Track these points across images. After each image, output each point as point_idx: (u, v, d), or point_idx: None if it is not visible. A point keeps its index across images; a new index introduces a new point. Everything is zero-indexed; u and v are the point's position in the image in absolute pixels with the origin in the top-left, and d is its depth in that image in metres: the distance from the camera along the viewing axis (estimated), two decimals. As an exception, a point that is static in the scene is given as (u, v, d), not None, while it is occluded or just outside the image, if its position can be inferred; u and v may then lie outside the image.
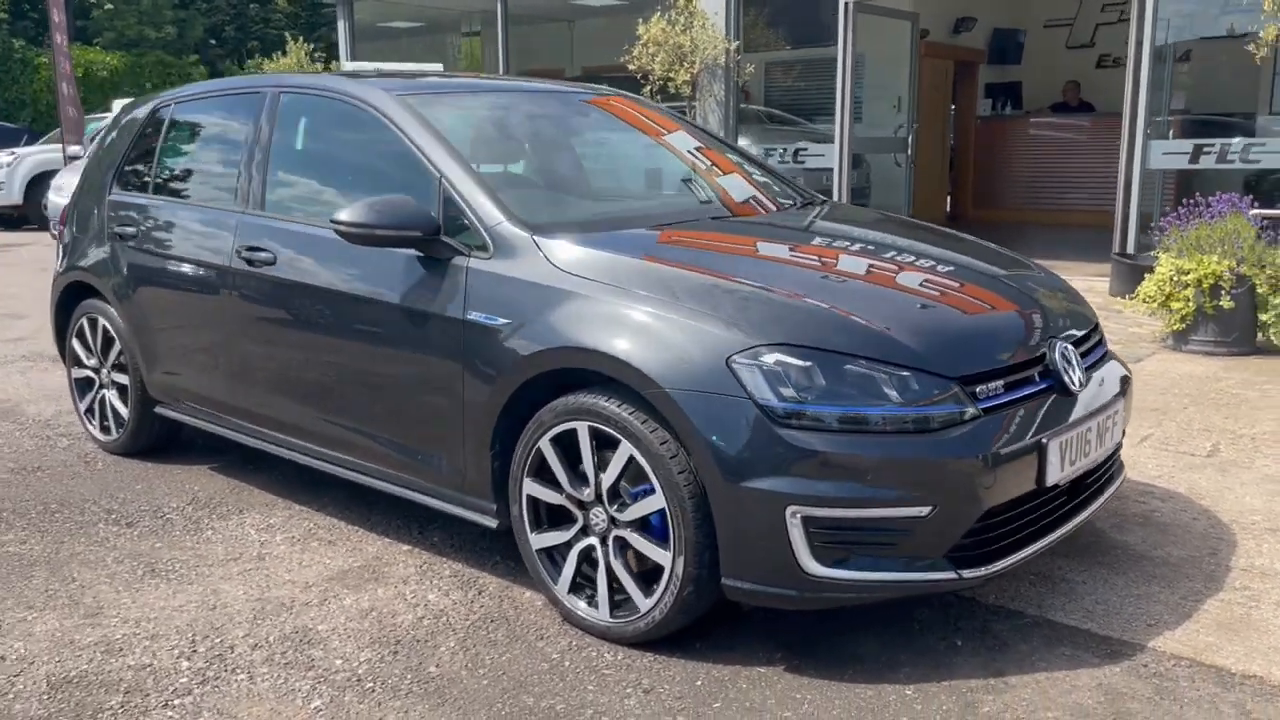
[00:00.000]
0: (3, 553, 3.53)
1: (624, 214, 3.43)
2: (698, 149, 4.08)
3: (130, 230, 4.23)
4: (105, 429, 4.59)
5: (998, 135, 14.42)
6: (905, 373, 2.54)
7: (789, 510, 2.47)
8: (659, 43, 10.16)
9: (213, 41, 26.67)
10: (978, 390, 2.61)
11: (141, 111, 4.52)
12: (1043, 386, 2.78)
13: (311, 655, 2.80)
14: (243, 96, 4.06)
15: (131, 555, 3.49)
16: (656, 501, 2.66)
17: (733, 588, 2.60)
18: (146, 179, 4.33)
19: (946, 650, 2.73)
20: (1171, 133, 9.10)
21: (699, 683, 2.62)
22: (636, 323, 2.70)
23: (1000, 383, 2.68)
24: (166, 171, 4.31)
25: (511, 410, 2.95)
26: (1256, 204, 6.99)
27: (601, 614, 2.83)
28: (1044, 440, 2.65)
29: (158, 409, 4.35)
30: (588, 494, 2.83)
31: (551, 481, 2.91)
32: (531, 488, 2.94)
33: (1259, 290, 6.27)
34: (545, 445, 2.87)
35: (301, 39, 14.07)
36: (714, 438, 2.53)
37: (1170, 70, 8.94)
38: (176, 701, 2.59)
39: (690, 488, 2.59)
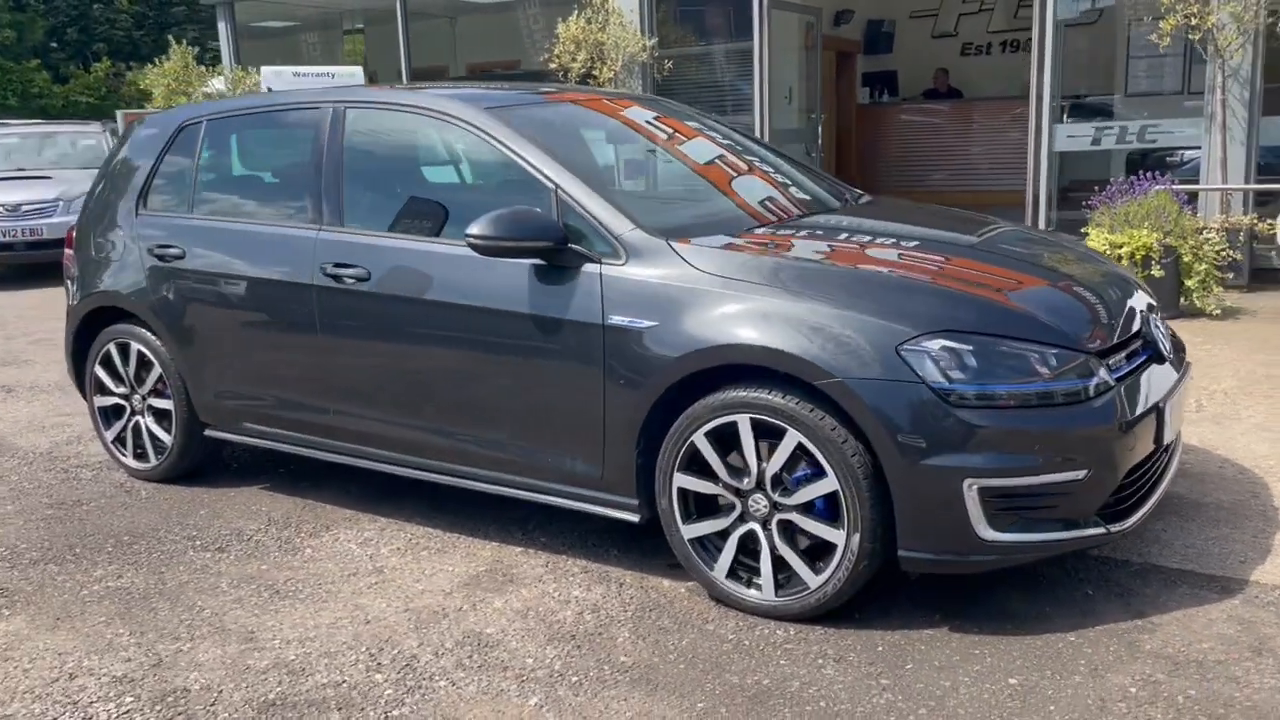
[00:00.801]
0: (104, 588, 3.44)
1: (726, 217, 3.59)
2: (748, 153, 4.27)
3: (173, 250, 4.13)
4: (140, 456, 4.47)
5: (878, 122, 15.12)
6: (1053, 350, 2.81)
7: (966, 483, 2.71)
8: (579, 41, 10.26)
9: (54, 44, 25.13)
10: (1109, 363, 2.91)
11: (160, 129, 4.40)
12: (1145, 356, 3.11)
13: (498, 656, 2.88)
14: (298, 112, 4.02)
15: (244, 579, 3.46)
16: (827, 484, 2.86)
17: (909, 558, 2.83)
18: (185, 198, 4.23)
19: (1084, 600, 3.03)
20: (1064, 116, 9.77)
21: (880, 648, 2.84)
22: (797, 318, 2.88)
23: (1123, 355, 2.99)
24: (211, 190, 4.22)
25: (658, 408, 3.09)
26: (1174, 181, 7.67)
27: (766, 594, 3.01)
28: (1161, 404, 2.98)
29: (207, 432, 4.27)
30: (747, 483, 3.00)
31: (705, 473, 3.07)
32: (683, 480, 3.09)
33: (1184, 259, 6.91)
34: (700, 439, 3.02)
35: (185, 41, 13.51)
36: (893, 421, 2.74)
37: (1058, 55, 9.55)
38: (396, 713, 2.64)
39: (863, 469, 2.80)
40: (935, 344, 2.77)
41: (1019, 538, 2.78)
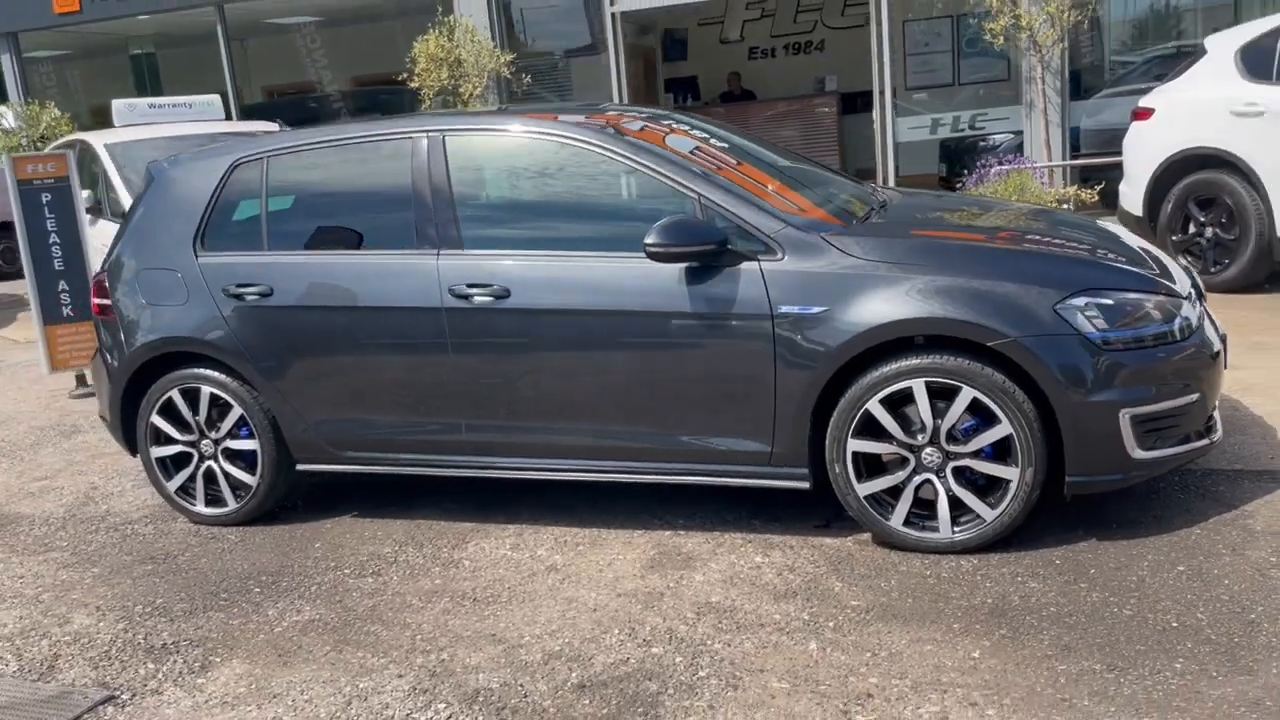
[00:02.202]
0: (295, 623, 3.45)
1: (840, 210, 4.00)
2: (792, 159, 4.72)
3: (256, 289, 4.09)
4: (214, 502, 4.37)
5: (688, 124, 15.87)
6: (1162, 297, 3.44)
7: (1121, 413, 3.30)
8: (438, 58, 10.33)
9: None
10: (1188, 305, 3.58)
11: (207, 170, 4.30)
12: (1200, 300, 3.82)
13: (745, 618, 3.19)
14: (384, 143, 4.09)
15: (430, 595, 3.56)
16: (1000, 430, 3.36)
17: (1076, 482, 3.37)
18: (256, 236, 4.19)
19: (1183, 503, 3.69)
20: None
21: (1058, 562, 3.37)
22: (962, 290, 3.36)
23: (1193, 298, 3.67)
24: (291, 226, 4.19)
25: (830, 384, 3.49)
26: (1016, 159, 8.77)
27: (944, 533, 3.48)
28: (1223, 334, 3.68)
29: (300, 467, 4.25)
30: (921, 438, 3.45)
31: (879, 436, 3.50)
32: (857, 445, 3.51)
33: (1048, 229, 7.96)
34: (874, 406, 3.45)
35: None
36: (1061, 369, 3.28)
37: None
38: (702, 674, 2.91)
39: (1033, 413, 3.32)
40: (1080, 301, 3.33)
41: (1160, 453, 3.39)
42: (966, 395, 3.36)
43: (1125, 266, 3.56)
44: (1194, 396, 3.41)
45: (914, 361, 3.40)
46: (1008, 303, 3.34)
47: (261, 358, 4.13)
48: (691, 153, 3.93)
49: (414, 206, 3.94)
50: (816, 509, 3.88)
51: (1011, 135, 9.93)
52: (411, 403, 3.99)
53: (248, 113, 13.20)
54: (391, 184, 4.04)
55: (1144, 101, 7.27)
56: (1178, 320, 3.41)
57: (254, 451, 4.25)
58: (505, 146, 4.03)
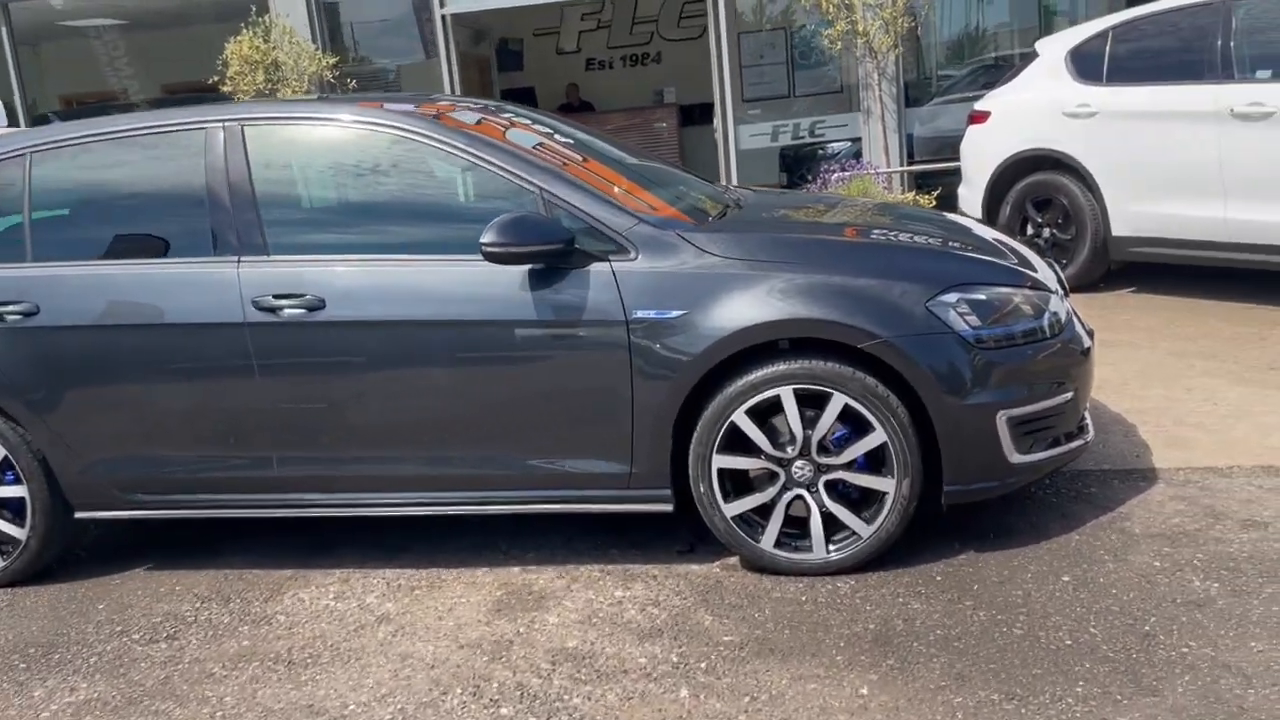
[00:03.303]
0: (67, 704, 2.87)
1: (693, 208, 3.66)
2: (639, 157, 4.38)
3: (18, 307, 3.47)
4: (-25, 560, 3.69)
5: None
6: (1031, 291, 3.25)
7: (998, 415, 3.08)
8: (252, 60, 9.61)
9: None
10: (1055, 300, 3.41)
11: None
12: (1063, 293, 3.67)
13: (606, 664, 2.81)
14: (172, 135, 3.53)
15: (236, 659, 3.04)
16: (875, 439, 3.10)
17: (952, 492, 3.14)
18: (20, 244, 3.56)
19: (1062, 507, 3.52)
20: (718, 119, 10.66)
21: (939, 579, 3.13)
22: (831, 289, 3.09)
23: (1059, 294, 3.51)
24: (61, 233, 3.58)
25: (691, 395, 3.16)
26: (858, 165, 8.75)
27: (818, 553, 3.19)
28: (1090, 330, 3.54)
29: (79, 515, 3.64)
30: (791, 451, 3.16)
31: (746, 450, 3.19)
32: (722, 461, 3.18)
33: (892, 233, 7.94)
34: (740, 418, 3.14)
35: None
36: (936, 370, 3.04)
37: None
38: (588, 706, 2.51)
39: (908, 419, 3.08)
40: (952, 297, 3.10)
41: (1035, 457, 3.19)
42: (838, 402, 3.09)
43: (993, 259, 3.37)
44: (1068, 395, 3.24)
45: (781, 367, 3.10)
46: (877, 301, 3.08)
47: (27, 389, 3.50)
48: (534, 148, 3.54)
49: (209, 208, 3.41)
50: (678, 532, 3.54)
51: (850, 142, 9.95)
52: (212, 435, 3.45)
53: (39, 123, 12.04)
54: (183, 182, 3.49)
55: (980, 105, 7.30)
56: (1046, 315, 3.23)
57: (21, 499, 3.60)
58: (318, 138, 3.54)
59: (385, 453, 3.36)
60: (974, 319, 3.09)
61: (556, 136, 3.86)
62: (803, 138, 10.10)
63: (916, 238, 3.49)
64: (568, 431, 3.24)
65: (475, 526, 3.74)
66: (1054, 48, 6.88)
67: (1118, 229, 6.37)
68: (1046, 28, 10.02)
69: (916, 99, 9.98)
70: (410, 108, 3.56)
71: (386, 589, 3.41)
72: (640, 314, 3.13)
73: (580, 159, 3.67)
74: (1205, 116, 5.81)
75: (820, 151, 10.24)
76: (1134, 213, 6.27)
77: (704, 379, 3.13)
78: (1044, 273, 3.45)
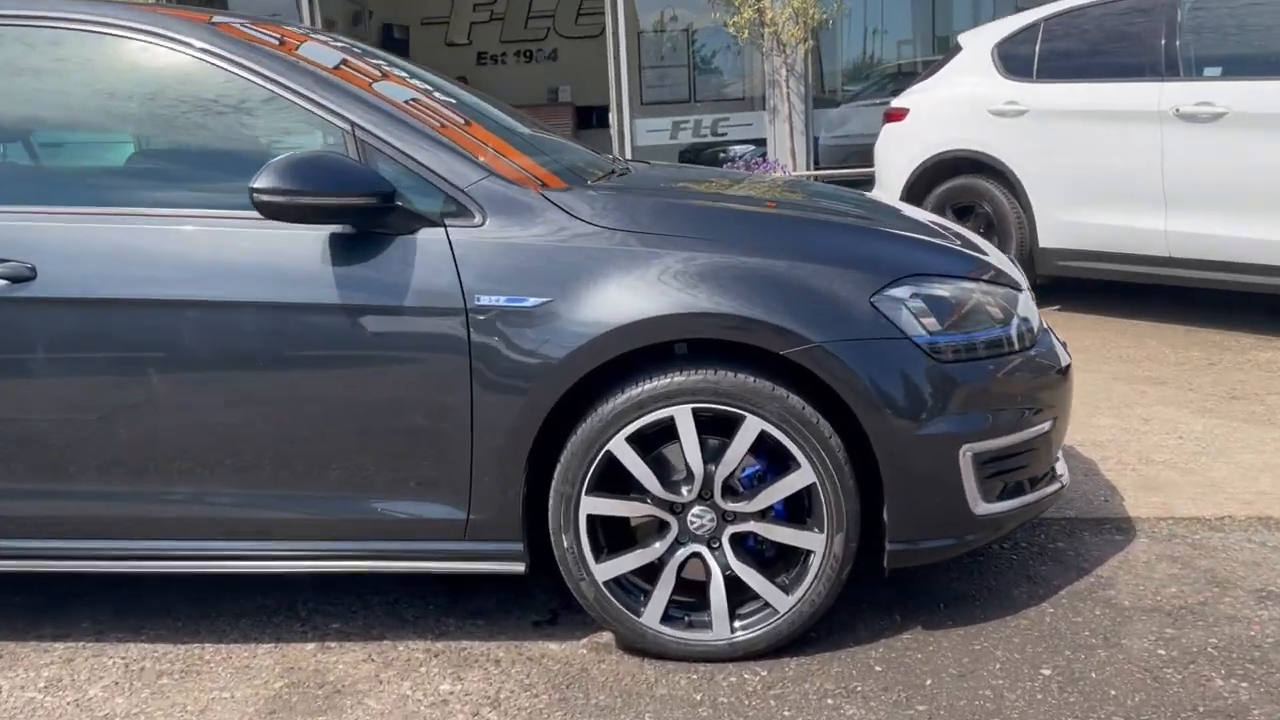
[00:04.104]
0: None
1: (567, 170, 2.80)
2: (535, 128, 3.50)
3: None
4: None
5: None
6: (994, 287, 2.49)
7: (963, 450, 2.30)
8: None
9: None
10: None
11: None
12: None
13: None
14: None
15: None
16: (800, 478, 2.29)
17: (898, 552, 2.34)
18: None
19: (1025, 566, 2.77)
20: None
21: (879, 669, 2.33)
22: (745, 274, 2.27)
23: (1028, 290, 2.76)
24: None
25: (551, 415, 2.30)
26: (765, 165, 8.04)
27: (719, 631, 2.36)
28: (1063, 341, 2.81)
29: None
30: (687, 493, 2.33)
31: (626, 492, 2.35)
32: (595, 505, 2.33)
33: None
34: (619, 446, 2.29)
35: None
36: (882, 387, 2.25)
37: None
38: None
39: (843, 454, 2.28)
40: (904, 291, 2.32)
41: (1004, 507, 2.42)
42: (751, 428, 2.27)
43: (951, 245, 2.61)
44: (1044, 426, 2.48)
45: (676, 380, 2.27)
46: (807, 293, 2.28)
47: None
48: (407, 103, 2.60)
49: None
50: (536, 596, 2.68)
51: (753, 145, 9.27)
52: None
53: None
54: None
55: (897, 102, 6.67)
56: (1015, 321, 2.47)
57: None
58: (46, 42, 2.55)
59: (127, 486, 2.41)
60: (931, 320, 2.31)
61: (437, 94, 2.94)
62: (704, 136, 9.38)
63: (852, 214, 2.71)
64: (379, 462, 2.35)
65: (271, 582, 2.81)
66: (979, 41, 6.27)
67: (1045, 240, 5.77)
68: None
69: (823, 103, 9.36)
70: (224, 20, 2.61)
71: (122, 675, 2.44)
72: (485, 300, 2.26)
73: (461, 121, 2.75)
74: (1147, 117, 5.24)
75: (722, 154, 9.56)
76: (1064, 222, 5.67)
77: (571, 393, 2.29)
78: (1004, 264, 2.70)
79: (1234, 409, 3.94)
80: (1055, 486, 2.57)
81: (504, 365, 2.26)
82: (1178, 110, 5.11)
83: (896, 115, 6.57)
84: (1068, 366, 2.59)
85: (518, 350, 2.26)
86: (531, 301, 2.26)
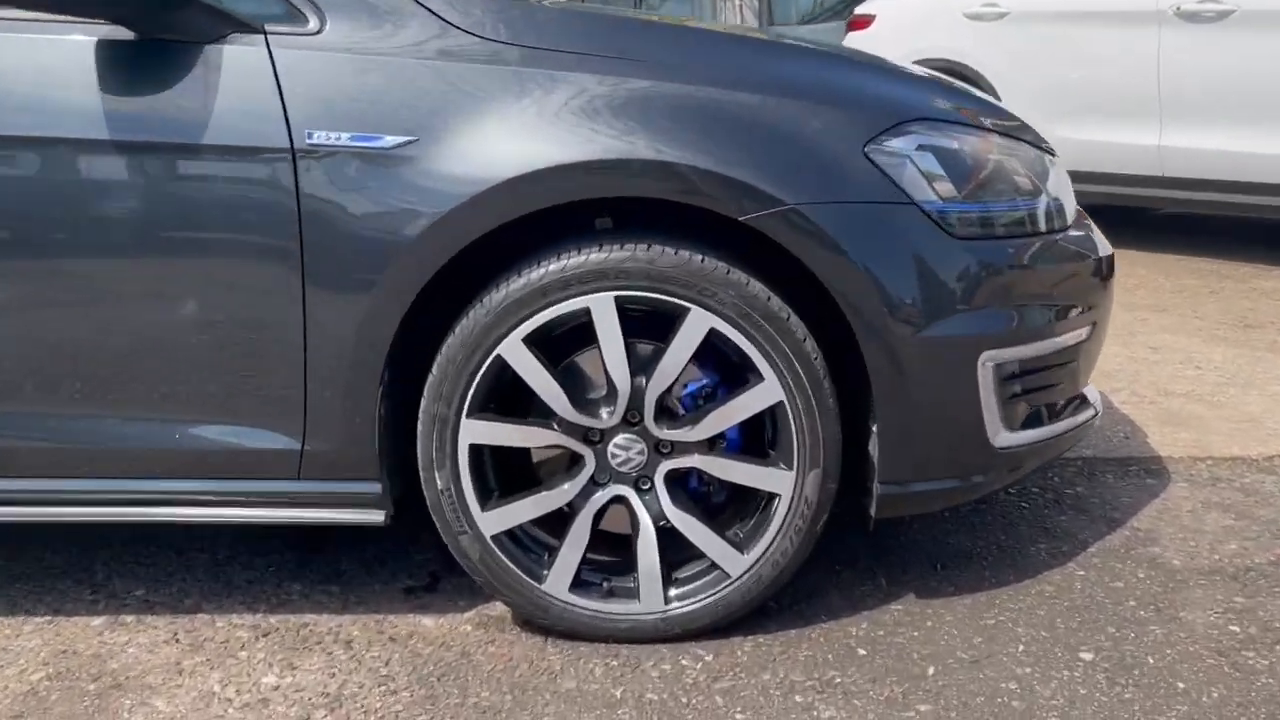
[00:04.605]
0: None
1: None
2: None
3: None
4: None
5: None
6: (1028, 150, 1.87)
7: (982, 359, 1.69)
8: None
9: None
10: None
11: None
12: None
13: None
14: None
15: None
16: (761, 395, 1.66)
17: (889, 496, 1.73)
18: None
19: (1039, 516, 2.19)
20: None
21: (862, 652, 1.73)
22: (696, 108, 1.62)
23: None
24: None
25: (414, 308, 1.65)
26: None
27: (649, 602, 1.74)
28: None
29: None
30: (609, 416, 1.69)
31: (524, 412, 1.72)
32: (480, 432, 1.69)
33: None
34: (513, 350, 1.65)
35: None
36: (877, 269, 1.62)
37: None
38: None
39: (821, 362, 1.66)
40: (907, 142, 1.68)
41: (1028, 436, 1.82)
42: (697, 325, 1.64)
43: (967, 89, 1.99)
44: (1081, 333, 1.89)
45: (594, 256, 1.62)
46: (779, 138, 1.64)
47: None
48: None
49: None
50: (414, 556, 2.05)
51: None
52: None
53: None
54: None
55: (861, 8, 6.02)
56: (1045, 197, 1.85)
57: None
58: None
59: None
60: (945, 183, 1.69)
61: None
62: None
63: (829, 48, 2.06)
64: (177, 369, 1.68)
65: (64, 533, 2.14)
66: (954, -65, 5.62)
67: (1024, 159, 5.18)
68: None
69: (782, 18, 8.68)
70: None
71: None
72: (321, 138, 1.59)
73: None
74: (1142, 17, 4.65)
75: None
76: (1048, 139, 5.08)
77: (445, 275, 1.63)
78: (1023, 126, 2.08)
79: (1252, 338, 3.40)
80: (1088, 414, 1.98)
81: (348, 233, 1.60)
82: (1178, 8, 4.52)
83: (861, 23, 5.92)
84: (1110, 258, 1.99)
85: (368, 211, 1.60)
86: (388, 141, 1.59)
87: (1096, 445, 2.52)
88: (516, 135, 1.59)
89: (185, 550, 2.11)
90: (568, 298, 1.62)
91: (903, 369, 1.65)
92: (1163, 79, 4.62)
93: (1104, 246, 1.98)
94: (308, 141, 1.58)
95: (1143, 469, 2.39)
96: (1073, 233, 1.90)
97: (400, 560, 2.05)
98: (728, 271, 1.62)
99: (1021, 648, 1.72)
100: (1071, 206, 1.95)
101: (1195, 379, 3.01)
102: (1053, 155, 1.95)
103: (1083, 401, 1.99)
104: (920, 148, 1.68)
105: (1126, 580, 1.92)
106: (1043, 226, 1.82)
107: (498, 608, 1.86)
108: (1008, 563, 1.99)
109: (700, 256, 1.62)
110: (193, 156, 1.60)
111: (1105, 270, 1.95)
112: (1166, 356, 3.23)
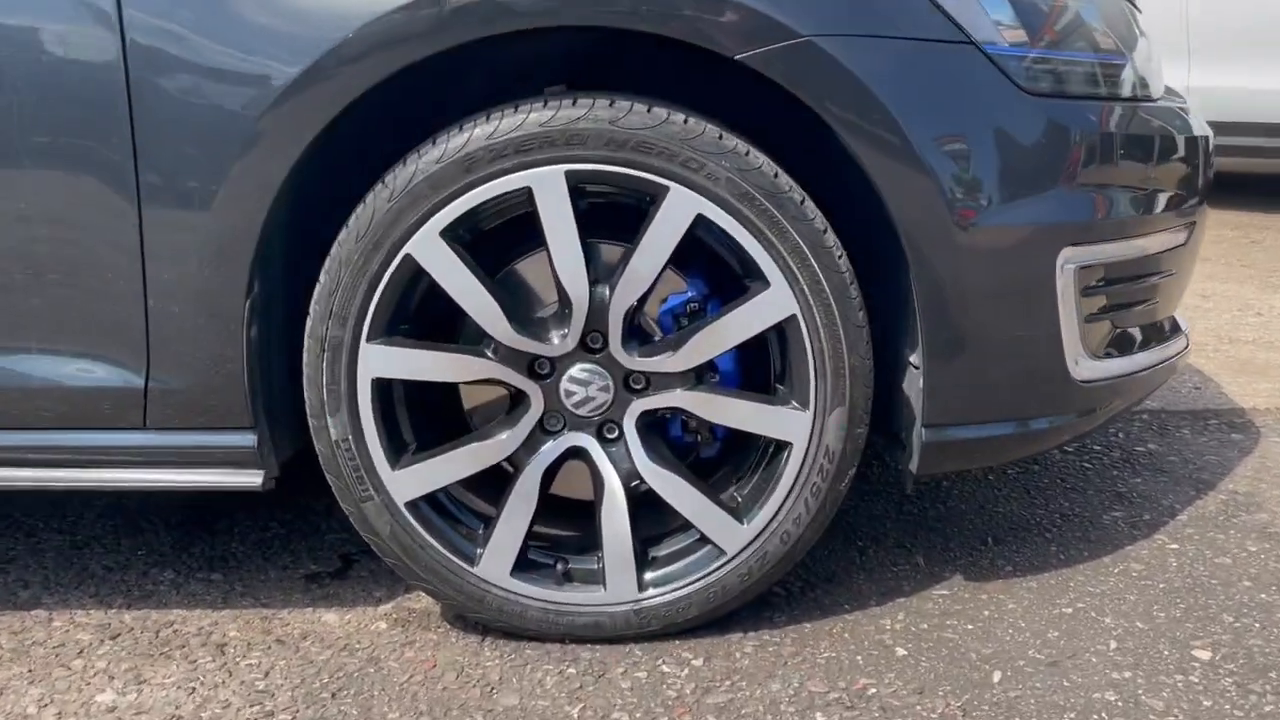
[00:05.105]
0: None
1: None
2: None
3: None
4: None
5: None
6: (1113, 2, 1.45)
7: (1062, 259, 1.26)
8: None
9: None
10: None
11: None
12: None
13: None
14: None
15: None
16: (771, 306, 1.23)
17: (934, 445, 1.30)
18: None
19: (1101, 478, 1.76)
20: None
21: (901, 652, 1.30)
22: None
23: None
24: None
25: (288, 191, 1.21)
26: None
27: (617, 590, 1.30)
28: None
29: None
30: (561, 339, 1.25)
31: (447, 335, 1.28)
32: (388, 362, 1.25)
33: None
34: (430, 249, 1.21)
35: None
36: (925, 131, 1.19)
37: None
38: None
39: (847, 264, 1.23)
40: (963, -35, 1.25)
41: (1117, 368, 1.39)
42: (679, 210, 1.20)
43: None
44: (1181, 235, 1.46)
45: (536, 116, 1.17)
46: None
47: None
48: None
49: None
50: (325, 532, 1.61)
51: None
52: None
53: None
54: None
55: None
56: (1129, 66, 1.42)
57: None
58: None
59: None
60: (1015, 28, 1.25)
61: None
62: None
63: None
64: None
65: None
66: None
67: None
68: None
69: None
70: None
71: None
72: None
73: None
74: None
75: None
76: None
77: (327, 138, 1.19)
78: None
79: (1312, 284, 2.99)
80: (1180, 344, 1.55)
81: (191, 82, 1.15)
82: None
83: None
84: (1208, 140, 1.55)
85: (218, 50, 1.15)
86: (250, -44, 1.14)
87: (1164, 397, 2.09)
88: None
89: (38, 531, 1.67)
90: (501, 173, 1.18)
91: (955, 270, 1.22)
92: (1192, 14, 4.23)
93: (1200, 125, 1.54)
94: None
95: (1224, 423, 1.97)
96: (1163, 104, 1.47)
97: (307, 541, 1.61)
98: (720, 136, 1.18)
99: (1114, 644, 1.30)
100: (1160, 76, 1.52)
101: (1260, 326, 2.60)
102: (1137, 9, 1.52)
103: (1174, 327, 1.56)
104: (978, -27, 1.25)
105: (1234, 555, 1.49)
106: (1128, 91, 1.39)
107: (423, 599, 1.43)
108: (1078, 535, 1.57)
109: (682, 116, 1.18)
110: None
111: (1204, 155, 1.52)
112: (1221, 304, 2.82)
